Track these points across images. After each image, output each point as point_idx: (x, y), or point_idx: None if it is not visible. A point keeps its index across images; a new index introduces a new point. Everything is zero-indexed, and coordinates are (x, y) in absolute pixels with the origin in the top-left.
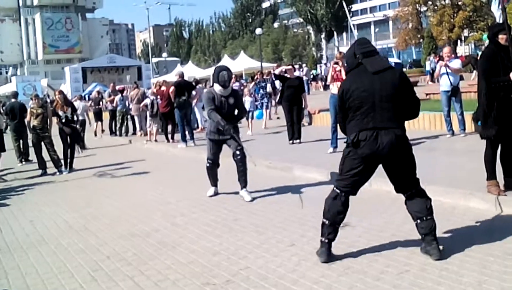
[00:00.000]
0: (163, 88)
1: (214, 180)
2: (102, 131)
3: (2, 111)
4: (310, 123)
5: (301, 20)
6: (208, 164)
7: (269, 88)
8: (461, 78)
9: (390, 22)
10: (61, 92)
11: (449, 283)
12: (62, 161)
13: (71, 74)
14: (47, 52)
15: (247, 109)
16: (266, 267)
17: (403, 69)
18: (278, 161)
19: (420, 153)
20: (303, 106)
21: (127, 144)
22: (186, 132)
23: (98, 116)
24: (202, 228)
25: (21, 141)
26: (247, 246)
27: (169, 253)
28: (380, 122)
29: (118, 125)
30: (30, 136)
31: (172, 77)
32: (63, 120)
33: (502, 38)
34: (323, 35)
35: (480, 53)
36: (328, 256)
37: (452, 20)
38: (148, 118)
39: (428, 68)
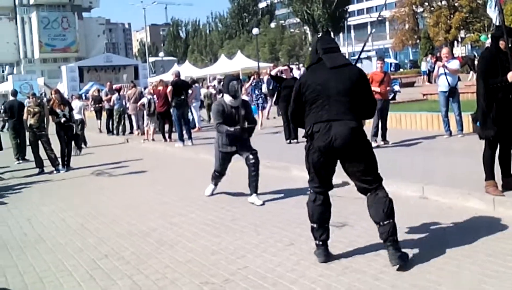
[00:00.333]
0: (160, 87)
1: (216, 183)
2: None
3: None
4: None
5: (298, 20)
6: (214, 175)
7: (264, 89)
8: (458, 79)
9: (387, 23)
10: (57, 91)
11: (449, 283)
12: (60, 160)
13: (68, 73)
14: (44, 51)
15: None
16: (265, 266)
17: (401, 69)
18: (275, 161)
19: (417, 153)
20: None
21: (124, 143)
22: (184, 132)
23: (100, 114)
24: (200, 227)
25: (18, 140)
26: (246, 246)
27: (168, 252)
28: (334, 115)
29: (115, 124)
30: (27, 134)
31: (169, 76)
32: (62, 119)
33: (502, 44)
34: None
35: (476, 54)
36: (326, 256)
37: (448, 21)
38: (145, 117)
39: (424, 68)
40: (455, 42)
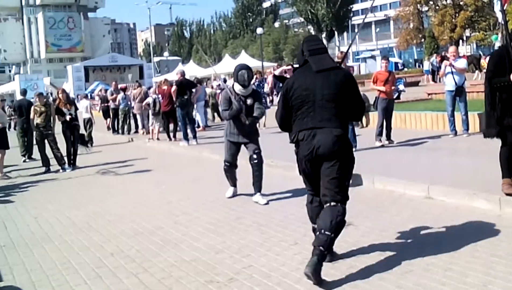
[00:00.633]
0: (165, 87)
1: (233, 181)
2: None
3: (5, 109)
4: None
5: (302, 19)
6: (225, 166)
7: (266, 88)
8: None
9: (391, 22)
10: (63, 91)
11: (453, 284)
12: (66, 159)
13: (74, 72)
14: (50, 51)
15: None
16: (269, 265)
17: (405, 68)
18: (279, 160)
19: (422, 153)
20: None
21: (129, 142)
22: (189, 131)
23: (107, 114)
24: (204, 226)
25: (25, 138)
26: (250, 245)
27: (173, 250)
28: (319, 122)
29: (120, 124)
30: (34, 133)
31: (173, 76)
32: (67, 117)
33: None
34: (323, 35)
35: (481, 53)
36: (330, 256)
37: (453, 20)
38: (150, 116)
39: (427, 67)
40: (460, 41)
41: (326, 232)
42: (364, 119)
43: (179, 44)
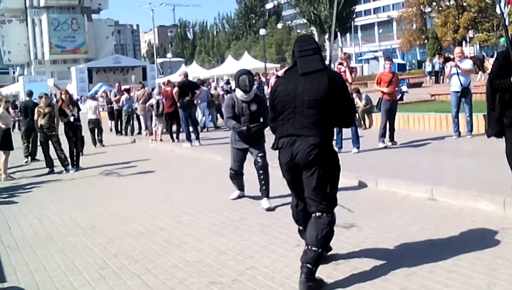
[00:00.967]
0: (168, 88)
1: (239, 186)
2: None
3: (11, 110)
4: None
5: (305, 21)
6: (231, 174)
7: (266, 91)
8: None
9: (394, 23)
10: (66, 92)
11: (458, 286)
12: (69, 160)
13: (77, 74)
14: (54, 53)
15: None
16: (272, 266)
17: (408, 69)
18: None
19: (426, 154)
20: None
21: (132, 143)
22: (191, 132)
23: (112, 115)
24: (208, 227)
25: (30, 139)
26: (254, 246)
27: (176, 251)
28: (298, 129)
29: (124, 125)
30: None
31: (176, 77)
32: (71, 118)
33: None
34: (326, 36)
35: (485, 54)
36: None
37: (457, 21)
38: (154, 117)
39: (429, 69)
40: (464, 42)
41: (313, 248)
42: (367, 120)
43: (182, 45)
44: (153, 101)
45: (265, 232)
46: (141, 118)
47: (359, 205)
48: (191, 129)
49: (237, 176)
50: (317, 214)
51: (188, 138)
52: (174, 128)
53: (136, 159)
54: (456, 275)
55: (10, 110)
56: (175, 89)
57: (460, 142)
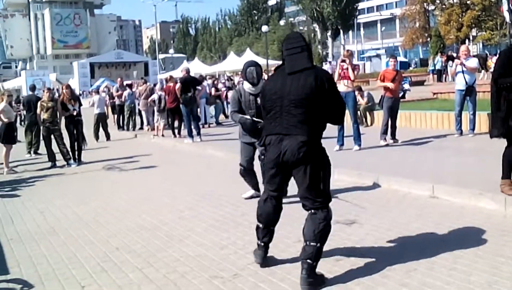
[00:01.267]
0: (170, 83)
1: (252, 183)
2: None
3: (14, 104)
4: None
5: (307, 17)
6: (240, 171)
7: None
8: None
9: (397, 21)
10: (68, 86)
11: (458, 283)
12: (71, 154)
13: (79, 69)
14: (56, 47)
15: None
16: (273, 261)
17: (410, 67)
18: None
19: (427, 152)
20: None
21: (134, 138)
22: (193, 128)
23: (114, 110)
24: (209, 222)
25: (33, 133)
26: (255, 241)
27: (177, 246)
28: (285, 128)
29: (125, 120)
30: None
31: (178, 73)
32: (74, 114)
33: None
34: (329, 33)
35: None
36: (264, 259)
37: (460, 19)
38: (156, 113)
39: (431, 67)
40: (467, 40)
41: (312, 243)
42: (369, 118)
43: (184, 41)
44: (155, 96)
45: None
46: (143, 113)
47: (361, 202)
48: (192, 125)
49: (246, 173)
50: (312, 211)
51: (190, 134)
52: (176, 123)
53: (138, 154)
54: (457, 272)
55: (13, 104)
56: (178, 84)
57: (462, 141)
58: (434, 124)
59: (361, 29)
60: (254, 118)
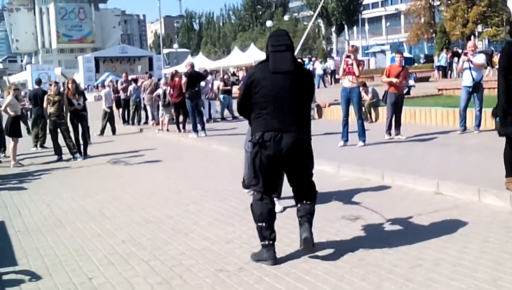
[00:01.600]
0: (176, 78)
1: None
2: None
3: (20, 98)
4: (319, 116)
5: (311, 13)
6: (243, 185)
7: None
8: None
9: (402, 16)
10: (73, 81)
11: (463, 279)
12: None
13: (84, 63)
14: (61, 42)
15: None
16: (278, 256)
17: (415, 63)
18: None
19: (432, 149)
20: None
21: (139, 133)
22: (198, 123)
23: (118, 104)
24: (214, 216)
25: (39, 127)
26: None
27: (183, 239)
28: (285, 126)
29: (131, 114)
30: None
31: (182, 68)
32: (80, 108)
33: None
34: (333, 29)
35: (493, 48)
36: (276, 257)
37: (466, 15)
38: (161, 108)
39: (437, 63)
40: (472, 36)
41: (308, 201)
42: (373, 113)
43: (189, 36)
44: (160, 91)
45: (273, 224)
46: (148, 108)
47: (365, 198)
48: (197, 119)
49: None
50: (304, 201)
51: (195, 129)
52: (180, 118)
53: (143, 148)
54: (461, 268)
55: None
56: (184, 79)
57: (467, 137)
58: (439, 120)
59: (366, 24)
60: None
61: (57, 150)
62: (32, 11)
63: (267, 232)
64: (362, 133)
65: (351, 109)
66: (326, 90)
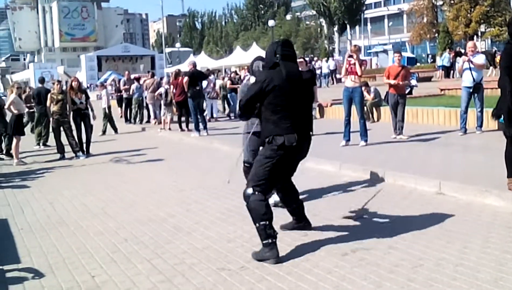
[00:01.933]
0: (179, 77)
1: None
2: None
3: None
4: (321, 116)
5: (314, 12)
6: (245, 168)
7: None
8: None
9: (405, 16)
10: (76, 80)
11: (465, 279)
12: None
13: (87, 62)
14: (64, 40)
15: None
16: (280, 255)
17: (417, 63)
18: None
19: (434, 149)
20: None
21: (141, 131)
22: (199, 122)
23: (121, 103)
24: (216, 215)
25: (42, 125)
26: None
27: (185, 238)
28: (304, 129)
29: (133, 113)
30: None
31: (185, 67)
32: (83, 107)
33: None
34: (335, 28)
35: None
36: (279, 255)
37: (469, 15)
38: (163, 106)
39: (440, 63)
40: (475, 36)
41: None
42: (375, 113)
43: (191, 35)
44: (162, 90)
45: (273, 221)
46: (150, 107)
47: (367, 198)
48: (199, 118)
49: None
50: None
51: (197, 128)
52: (183, 117)
53: (145, 147)
54: (463, 268)
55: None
56: (186, 78)
57: (469, 138)
58: (441, 120)
59: (368, 24)
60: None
61: (60, 149)
62: (35, 9)
63: (270, 229)
64: (364, 133)
65: (353, 108)
66: (327, 90)
